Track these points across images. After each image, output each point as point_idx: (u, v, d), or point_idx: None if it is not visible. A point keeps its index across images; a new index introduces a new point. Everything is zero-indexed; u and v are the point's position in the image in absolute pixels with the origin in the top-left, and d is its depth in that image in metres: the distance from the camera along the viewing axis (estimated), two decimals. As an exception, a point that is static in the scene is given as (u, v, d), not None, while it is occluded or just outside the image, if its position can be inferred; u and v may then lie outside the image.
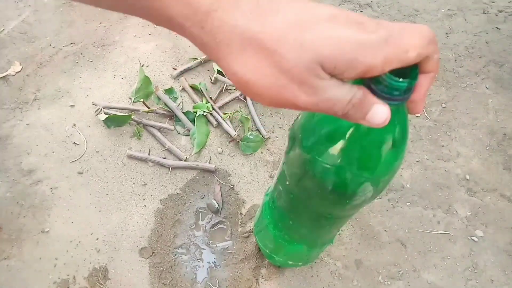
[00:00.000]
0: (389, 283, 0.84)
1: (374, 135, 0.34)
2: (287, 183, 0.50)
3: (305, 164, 0.42)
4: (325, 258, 0.86)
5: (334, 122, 0.37)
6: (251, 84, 0.25)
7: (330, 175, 0.39)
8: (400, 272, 0.85)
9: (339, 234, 0.89)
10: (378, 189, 0.41)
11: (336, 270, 0.85)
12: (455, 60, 1.20)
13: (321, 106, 0.25)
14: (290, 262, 0.78)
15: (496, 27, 1.27)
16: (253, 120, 1.06)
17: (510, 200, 0.95)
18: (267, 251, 0.77)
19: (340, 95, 0.25)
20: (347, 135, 0.35)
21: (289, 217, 0.58)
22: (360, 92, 0.26)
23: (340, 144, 0.36)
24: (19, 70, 1.18)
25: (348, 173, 0.39)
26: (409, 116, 1.12)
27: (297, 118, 0.44)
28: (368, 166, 0.38)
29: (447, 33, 1.26)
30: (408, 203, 0.94)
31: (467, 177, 0.98)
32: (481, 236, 0.90)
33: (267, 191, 0.71)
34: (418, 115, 1.07)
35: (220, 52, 0.26)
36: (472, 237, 0.89)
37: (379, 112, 0.26)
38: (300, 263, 0.79)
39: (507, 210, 0.93)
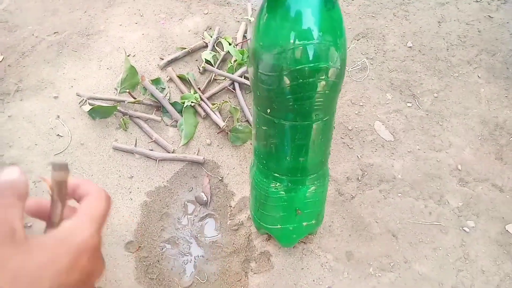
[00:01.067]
0: (380, 275, 0.83)
1: (315, 1, 0.44)
2: (268, 110, 0.55)
3: (277, 61, 0.47)
4: (316, 250, 0.85)
5: (280, 14, 0.45)
6: None
7: (302, 54, 0.46)
8: (391, 264, 0.84)
9: (329, 226, 0.88)
10: (341, 54, 0.48)
11: (326, 262, 0.84)
12: (447, 49, 1.18)
13: None
14: (305, 224, 0.75)
15: (489, 16, 1.25)
16: (243, 111, 1.04)
17: (501, 190, 0.94)
18: (278, 226, 0.74)
19: None
20: (293, 13, 0.44)
21: (284, 152, 0.60)
22: None
23: (297, 21, 0.44)
24: (0, 60, 1.14)
25: (314, 43, 0.45)
26: (401, 106, 1.08)
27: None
28: (326, 29, 0.45)
29: (439, 21, 1.25)
30: (399, 194, 0.93)
31: (459, 167, 0.97)
32: (473, 227, 0.89)
33: (250, 167, 0.72)
34: (410, 104, 1.06)
35: None
36: (464, 228, 0.88)
37: None
38: (314, 221, 0.76)
39: (498, 200, 0.92)
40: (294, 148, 0.59)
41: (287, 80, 0.49)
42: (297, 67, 0.47)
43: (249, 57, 0.53)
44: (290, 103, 0.52)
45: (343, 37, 0.48)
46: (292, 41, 0.45)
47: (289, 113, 0.54)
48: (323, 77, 0.48)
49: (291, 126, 0.55)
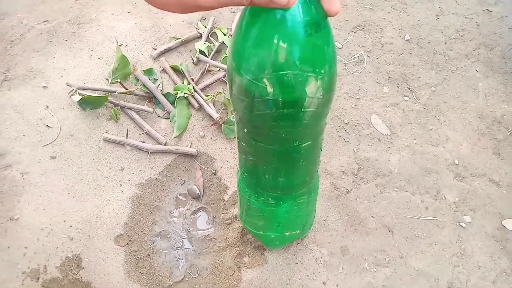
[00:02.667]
0: (375, 270, 0.81)
1: (297, 24, 0.36)
2: (245, 130, 0.50)
3: (249, 87, 0.42)
4: (310, 245, 0.83)
5: (255, 37, 0.38)
6: None
7: (276, 84, 0.40)
8: (387, 259, 0.83)
9: (324, 220, 0.86)
10: (324, 84, 0.42)
11: (321, 257, 0.82)
12: (445, 43, 1.17)
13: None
14: (287, 234, 0.73)
15: (487, 10, 1.24)
16: (237, 103, 1.01)
17: (498, 185, 0.93)
18: (260, 232, 0.73)
19: None
20: (268, 39, 0.37)
21: (263, 170, 0.56)
22: None
23: (271, 47, 0.38)
24: (-12, 48, 1.11)
25: (289, 74, 0.39)
26: (398, 100, 1.07)
27: (225, 58, 0.48)
28: (304, 58, 0.38)
29: (437, 15, 1.23)
30: (395, 189, 0.91)
31: (456, 162, 0.96)
32: (469, 222, 0.88)
33: (238, 169, 0.68)
34: (407, 98, 1.04)
35: None
36: (460, 223, 0.87)
37: None
38: (298, 231, 0.74)
39: (495, 196, 0.91)
40: (272, 169, 0.55)
41: (260, 108, 0.43)
42: (270, 98, 0.41)
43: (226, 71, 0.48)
44: (266, 130, 0.47)
45: (328, 64, 0.41)
46: (265, 69, 0.39)
47: (266, 137, 0.49)
48: (301, 109, 0.42)
49: (269, 149, 0.51)
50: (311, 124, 0.47)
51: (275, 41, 0.37)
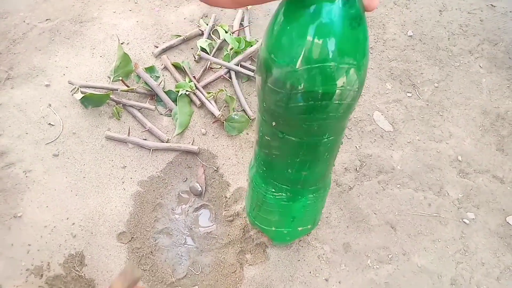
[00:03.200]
0: (378, 267, 0.81)
1: (345, 17, 0.37)
2: (274, 123, 0.50)
3: (287, 79, 0.42)
4: (312, 242, 0.83)
5: (297, 28, 0.39)
6: None
7: (318, 76, 0.40)
8: (390, 256, 0.82)
9: (327, 217, 0.86)
10: (361, 76, 0.43)
11: (323, 254, 0.82)
12: (449, 39, 1.16)
13: None
14: (300, 229, 0.73)
15: (491, 5, 1.23)
16: (239, 100, 1.01)
17: (502, 181, 0.92)
18: (273, 228, 0.73)
19: None
20: (313, 30, 0.38)
21: (287, 164, 0.56)
22: None
23: (311, 40, 0.38)
24: (-10, 47, 1.11)
25: (332, 66, 0.40)
26: (401, 96, 1.06)
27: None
28: (348, 50, 0.40)
29: (440, 10, 1.22)
30: (398, 185, 0.91)
31: (459, 158, 0.95)
32: (473, 219, 0.87)
33: (250, 165, 0.68)
34: (410, 94, 1.04)
35: None
36: (464, 220, 0.87)
37: None
38: (309, 226, 0.74)
39: (499, 192, 0.90)
40: (297, 162, 0.56)
41: (297, 100, 0.44)
42: (310, 90, 0.42)
43: (257, 65, 0.47)
44: (298, 122, 0.48)
45: (365, 58, 0.42)
46: (308, 61, 0.40)
47: (296, 130, 0.49)
48: (338, 101, 0.43)
49: (297, 142, 0.51)
50: (344, 116, 0.48)
51: (321, 32, 0.38)
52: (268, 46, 0.43)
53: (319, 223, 0.85)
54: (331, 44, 0.38)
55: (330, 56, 0.39)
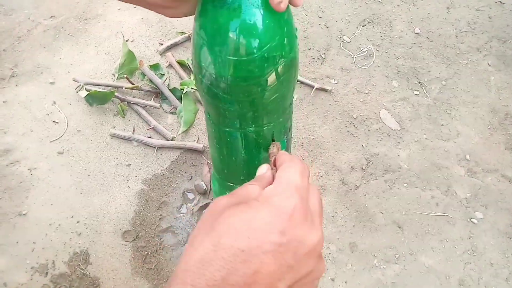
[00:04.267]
0: (384, 267, 0.80)
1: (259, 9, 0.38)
2: (208, 115, 0.51)
3: (217, 72, 0.42)
4: (318, 241, 0.82)
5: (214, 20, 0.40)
6: None
7: (242, 63, 0.41)
8: (397, 256, 0.81)
9: (333, 216, 0.85)
10: (286, 56, 0.42)
11: (329, 253, 0.81)
12: (456, 36, 1.14)
13: None
14: None
15: (500, 2, 1.21)
16: (244, 98, 1.00)
17: (511, 181, 0.91)
18: None
19: None
20: (235, 24, 0.39)
21: (235, 162, 0.56)
22: None
23: (234, 31, 0.39)
24: (-5, 44, 1.11)
25: (256, 53, 0.40)
26: (408, 94, 1.05)
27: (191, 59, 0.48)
28: (264, 35, 0.40)
29: (448, 7, 1.20)
30: (405, 184, 0.90)
31: (467, 157, 0.94)
32: (481, 218, 0.86)
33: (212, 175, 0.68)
34: (417, 92, 1.02)
35: None
36: (472, 219, 0.86)
37: None
38: None
39: (508, 191, 0.89)
40: (244, 158, 0.55)
41: (204, 82, 0.45)
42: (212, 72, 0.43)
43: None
44: (221, 109, 0.47)
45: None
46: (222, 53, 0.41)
47: (223, 118, 0.49)
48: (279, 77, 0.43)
49: (232, 133, 0.51)
50: (276, 91, 0.47)
51: (239, 26, 0.39)
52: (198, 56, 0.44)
53: (323, 223, 0.84)
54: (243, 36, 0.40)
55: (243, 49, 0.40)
